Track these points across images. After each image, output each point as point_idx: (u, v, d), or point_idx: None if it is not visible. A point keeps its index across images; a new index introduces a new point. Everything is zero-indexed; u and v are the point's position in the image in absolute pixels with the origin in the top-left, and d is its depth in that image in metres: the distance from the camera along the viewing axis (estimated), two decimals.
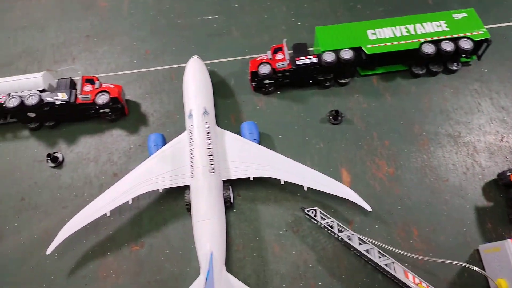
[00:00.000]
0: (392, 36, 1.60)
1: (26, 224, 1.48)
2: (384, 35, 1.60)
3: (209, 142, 1.42)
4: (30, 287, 1.37)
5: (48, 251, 1.35)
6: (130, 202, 1.39)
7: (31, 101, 1.51)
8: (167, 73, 1.77)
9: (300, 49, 1.60)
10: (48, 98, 1.52)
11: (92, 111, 1.59)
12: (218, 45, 1.84)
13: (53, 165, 1.57)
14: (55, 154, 1.57)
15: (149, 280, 1.37)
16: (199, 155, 1.39)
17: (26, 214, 1.50)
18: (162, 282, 1.37)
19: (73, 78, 1.64)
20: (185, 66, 1.70)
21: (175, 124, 1.65)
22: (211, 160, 1.39)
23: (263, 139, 1.57)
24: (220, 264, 1.26)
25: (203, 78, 1.56)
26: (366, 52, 1.57)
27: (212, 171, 1.37)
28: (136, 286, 1.36)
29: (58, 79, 1.60)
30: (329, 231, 1.41)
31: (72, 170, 1.58)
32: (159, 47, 1.85)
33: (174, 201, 1.50)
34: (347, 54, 1.55)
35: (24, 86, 1.57)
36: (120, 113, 1.64)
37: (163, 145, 1.51)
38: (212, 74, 1.67)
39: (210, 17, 1.93)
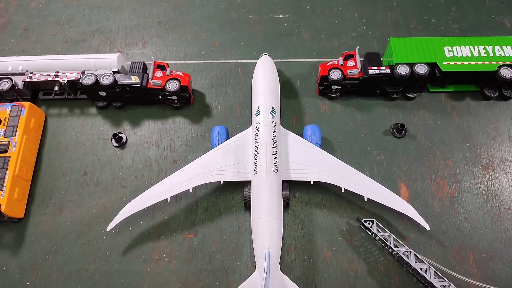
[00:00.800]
0: (470, 55, 1.56)
1: (86, 198, 1.53)
2: (461, 53, 1.57)
3: (274, 141, 1.43)
4: (85, 259, 1.42)
5: (108, 228, 1.40)
6: (191, 191, 1.42)
7: (106, 80, 1.55)
8: (234, 67, 1.79)
9: (372, 59, 1.59)
10: (121, 79, 1.56)
11: (160, 97, 1.62)
12: (287, 45, 1.85)
13: (116, 145, 1.61)
14: (120, 135, 1.62)
15: (200, 269, 1.40)
16: (264, 153, 1.40)
17: (87, 189, 1.55)
18: (212, 272, 1.39)
19: (145, 62, 1.68)
20: (252, 62, 1.73)
21: (237, 118, 1.67)
22: (275, 160, 1.40)
23: (323, 144, 1.56)
24: (275, 263, 1.27)
25: (273, 77, 1.57)
26: (442, 69, 1.55)
27: (275, 171, 1.38)
28: (187, 272, 1.40)
29: (132, 62, 1.64)
30: (383, 245, 1.40)
31: (134, 152, 1.62)
32: (228, 40, 1.86)
33: (230, 194, 1.52)
34: (422, 69, 1.53)
35: (99, 65, 1.62)
36: (186, 101, 1.67)
37: (226, 138, 1.53)
38: (279, 74, 1.66)
39: (281, 16, 1.93)
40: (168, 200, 1.40)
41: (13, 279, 1.40)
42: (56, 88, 1.63)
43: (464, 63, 1.56)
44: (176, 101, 1.64)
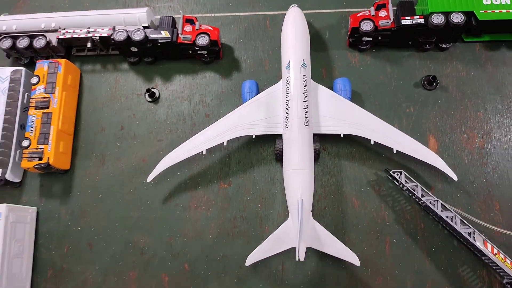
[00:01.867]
0: (509, 2, 1.50)
1: (125, 152, 1.61)
2: (499, 0, 1.50)
3: (305, 95, 1.45)
4: (129, 207, 1.54)
5: (149, 179, 1.49)
6: (225, 144, 1.47)
7: (137, 36, 1.57)
8: (262, 20, 1.77)
9: (405, 8, 1.54)
10: (152, 35, 1.58)
11: (190, 52, 1.64)
12: None
13: (150, 100, 1.66)
14: (153, 90, 1.66)
15: (235, 216, 1.50)
16: (295, 107, 1.43)
17: (126, 143, 1.63)
18: (246, 219, 1.49)
19: (173, 17, 1.67)
20: (281, 13, 1.70)
21: (267, 72, 1.68)
22: (306, 114, 1.43)
23: (353, 97, 1.57)
24: (308, 211, 1.35)
25: (303, 29, 1.55)
26: (478, 17, 1.50)
27: (307, 124, 1.42)
28: (223, 219, 1.50)
29: (161, 16, 1.64)
30: (410, 194, 1.46)
31: (167, 107, 1.67)
32: None
33: (261, 147, 1.58)
34: (457, 18, 1.48)
35: (129, 20, 1.63)
36: (215, 56, 1.68)
37: (257, 92, 1.56)
38: (308, 26, 1.64)
39: None
40: (204, 153, 1.47)
41: (65, 225, 1.54)
42: (88, 45, 1.66)
43: (503, 11, 1.49)
44: (206, 55, 1.65)
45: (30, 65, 1.72)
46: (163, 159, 1.50)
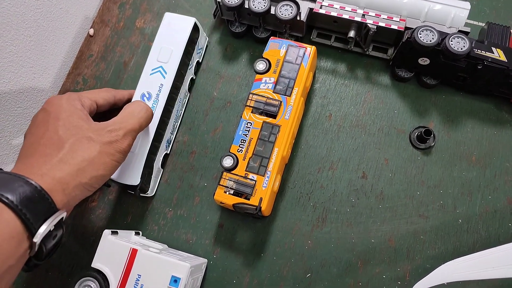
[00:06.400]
0: None
1: (360, 216, 1.00)
2: None
3: None
4: None
5: None
6: None
7: (456, 45, 0.93)
8: None
9: None
10: (478, 51, 0.94)
11: None
12: None
13: (419, 145, 1.03)
14: (428, 132, 1.03)
15: None
16: None
17: (364, 201, 1.01)
18: None
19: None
20: None
21: None
22: None
23: None
24: None
25: None
26: None
27: None
28: None
29: (488, 22, 1.00)
30: None
31: (444, 165, 1.02)
32: None
33: None
34: None
35: (433, 14, 0.99)
36: None
37: None
38: None
39: None
40: None
41: None
42: (351, 34, 1.05)
43: None
44: None
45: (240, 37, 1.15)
46: (442, 268, 0.86)
